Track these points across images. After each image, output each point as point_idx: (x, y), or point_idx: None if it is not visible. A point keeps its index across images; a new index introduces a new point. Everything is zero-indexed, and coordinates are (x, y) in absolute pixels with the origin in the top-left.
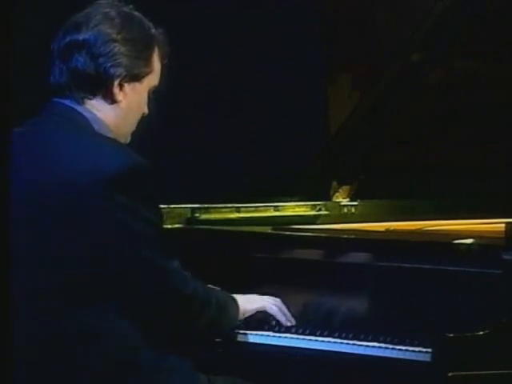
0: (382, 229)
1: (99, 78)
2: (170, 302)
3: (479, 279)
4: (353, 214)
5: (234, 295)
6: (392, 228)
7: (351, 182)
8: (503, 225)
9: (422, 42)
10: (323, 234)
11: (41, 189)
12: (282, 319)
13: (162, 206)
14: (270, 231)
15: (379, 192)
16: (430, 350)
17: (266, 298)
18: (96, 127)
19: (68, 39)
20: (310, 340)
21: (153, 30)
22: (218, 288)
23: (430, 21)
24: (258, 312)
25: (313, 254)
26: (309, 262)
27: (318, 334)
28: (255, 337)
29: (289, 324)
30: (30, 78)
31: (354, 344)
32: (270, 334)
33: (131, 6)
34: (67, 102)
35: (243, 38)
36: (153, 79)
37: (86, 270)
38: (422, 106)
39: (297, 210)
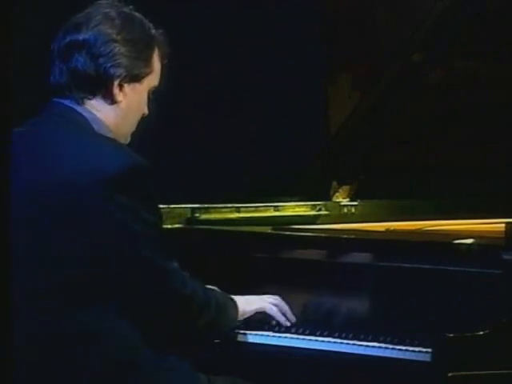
0: (382, 229)
1: (99, 79)
2: (170, 303)
3: (479, 279)
4: (353, 214)
5: (233, 296)
6: (392, 228)
7: (351, 181)
8: (503, 225)
9: (422, 41)
10: (323, 234)
11: (41, 189)
12: (282, 320)
13: (162, 206)
14: (269, 231)
15: (379, 192)
16: (429, 350)
17: (265, 297)
18: (96, 127)
19: (68, 39)
20: (310, 340)
21: (153, 31)
22: (217, 289)
23: (429, 21)
24: (257, 312)
25: (313, 254)
26: (309, 261)
27: (317, 334)
28: (255, 337)
29: (288, 324)
30: (29, 78)
31: (354, 344)
32: (270, 334)
33: (131, 7)
34: (67, 102)
35: (243, 37)
36: (153, 80)
37: (85, 270)
38: (421, 105)
39: (297, 210)
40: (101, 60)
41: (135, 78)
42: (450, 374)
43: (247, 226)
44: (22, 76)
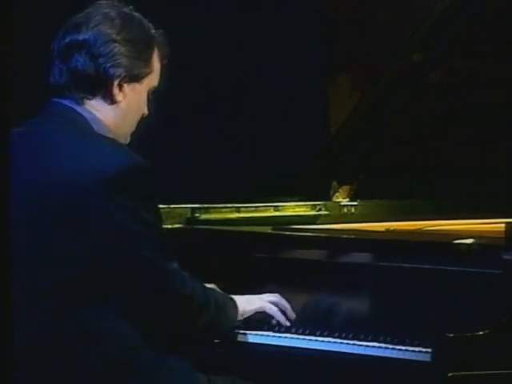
0: (382, 229)
1: (99, 79)
2: (170, 303)
3: (479, 279)
4: (353, 214)
5: (233, 296)
6: (392, 228)
7: (351, 181)
8: (503, 225)
9: (422, 41)
10: (323, 234)
11: (41, 189)
12: (282, 319)
13: (162, 206)
14: (269, 231)
15: (379, 192)
16: (429, 350)
17: (265, 297)
18: (95, 127)
19: (68, 39)
20: (310, 340)
21: (152, 31)
22: (216, 287)
23: (429, 21)
24: (257, 312)
25: (313, 254)
26: (309, 261)
27: (318, 334)
28: (255, 337)
29: (288, 324)
30: (29, 78)
31: (354, 344)
32: (270, 334)
33: (131, 7)
34: (67, 102)
35: (243, 37)
36: (152, 80)
37: (86, 269)
38: (421, 105)
39: (297, 210)
40: (100, 60)
41: (135, 78)
42: (450, 374)
43: (247, 226)
44: (21, 76)
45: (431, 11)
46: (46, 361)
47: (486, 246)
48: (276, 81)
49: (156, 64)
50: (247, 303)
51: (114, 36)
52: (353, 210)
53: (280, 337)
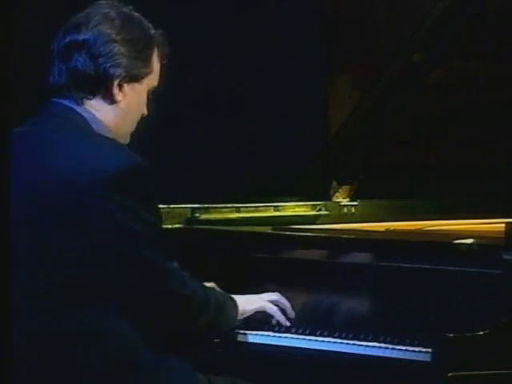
0: (382, 229)
1: (99, 79)
2: (170, 303)
3: (479, 279)
4: (353, 214)
5: (233, 296)
6: (392, 228)
7: (351, 181)
8: (503, 225)
9: (422, 41)
10: (323, 234)
11: (41, 189)
12: (282, 319)
13: (162, 206)
14: (269, 231)
15: (379, 192)
16: (429, 350)
17: (265, 296)
18: (95, 127)
19: (68, 39)
20: (310, 340)
21: (152, 31)
22: (216, 287)
23: (429, 21)
24: (257, 312)
25: (313, 254)
26: (309, 261)
27: (318, 333)
28: (255, 337)
29: (288, 323)
30: (29, 78)
31: (354, 344)
32: (270, 334)
33: (131, 7)
34: (66, 102)
35: (243, 37)
36: (152, 80)
37: (86, 269)
38: (421, 105)
39: (297, 210)
40: (100, 60)
41: (135, 78)
42: (450, 374)
43: (247, 226)
44: (22, 76)
45: (431, 11)
46: (45, 361)
47: (485, 246)
48: (276, 81)
49: (156, 64)
50: (247, 303)
51: (113, 36)
52: (353, 209)
53: (280, 337)
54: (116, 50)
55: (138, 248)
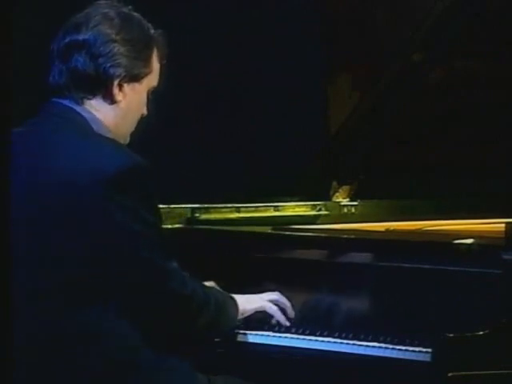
0: (382, 229)
1: (99, 78)
2: (170, 303)
3: (479, 279)
4: (353, 214)
5: (233, 295)
6: (392, 228)
7: (351, 181)
8: (503, 225)
9: (422, 41)
10: (323, 234)
11: (41, 189)
12: (282, 319)
13: (162, 206)
14: (269, 231)
15: (379, 192)
16: (429, 350)
17: (265, 296)
18: (95, 127)
19: (68, 39)
20: (310, 340)
21: (152, 31)
22: (216, 286)
23: (429, 21)
24: (257, 312)
25: (313, 254)
26: (309, 261)
27: (318, 333)
28: (255, 337)
29: (288, 323)
30: (29, 78)
31: (354, 344)
32: (270, 333)
33: (130, 7)
34: (66, 102)
35: (243, 37)
36: (152, 80)
37: (86, 270)
38: (421, 105)
39: (297, 210)
40: (100, 60)
41: (135, 78)
42: (450, 374)
43: (247, 226)
44: (22, 76)
45: (431, 11)
46: (46, 361)
47: (485, 246)
48: (276, 81)
49: (155, 64)
50: (247, 302)
51: (113, 36)
52: (353, 209)
53: (280, 337)
54: (116, 49)
55: (138, 248)
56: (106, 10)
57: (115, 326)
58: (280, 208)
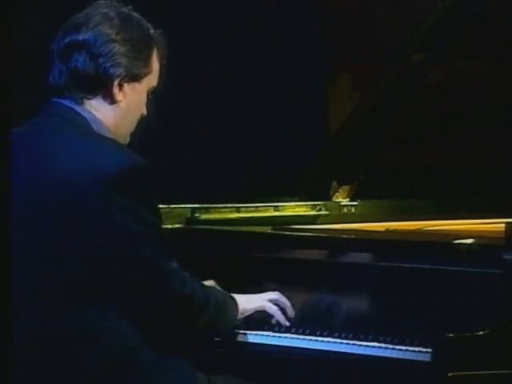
0: (382, 229)
1: (99, 78)
2: (170, 303)
3: (479, 279)
4: (353, 214)
5: (233, 295)
6: (392, 228)
7: (351, 181)
8: (503, 225)
9: (422, 41)
10: (323, 234)
11: (41, 189)
12: (281, 319)
13: (162, 206)
14: (269, 231)
15: (379, 192)
16: (429, 350)
17: (264, 296)
18: (95, 127)
19: (68, 39)
20: (310, 340)
21: (151, 31)
22: (216, 285)
23: (430, 21)
24: (257, 312)
25: (313, 254)
26: (309, 261)
27: (318, 333)
28: (255, 337)
29: (288, 323)
30: (29, 78)
31: (354, 344)
32: (270, 334)
33: (130, 7)
34: (66, 102)
35: (243, 37)
36: (152, 80)
37: (86, 269)
38: (421, 105)
39: (297, 210)
40: (100, 60)
41: (135, 78)
42: (450, 374)
43: (247, 226)
44: (22, 76)
45: (431, 11)
46: (46, 361)
47: (485, 246)
48: (276, 81)
49: (155, 64)
50: (247, 302)
51: (113, 36)
52: (353, 209)
53: (280, 337)
54: (116, 49)
55: (138, 248)
56: (105, 10)
57: (115, 326)
58: (280, 208)
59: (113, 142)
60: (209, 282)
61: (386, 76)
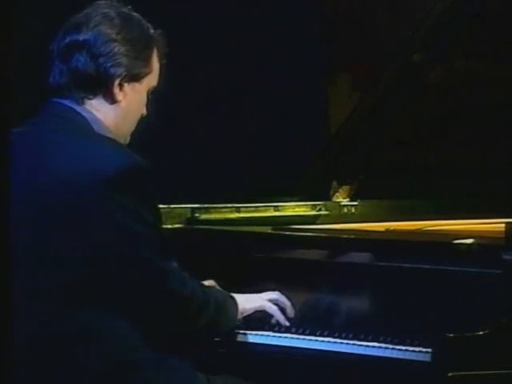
0: (382, 229)
1: (99, 78)
2: (169, 303)
3: (479, 279)
4: (353, 214)
5: (233, 294)
6: (392, 228)
7: (351, 181)
8: (503, 225)
9: (422, 41)
10: (323, 234)
11: (41, 189)
12: (281, 318)
13: (162, 206)
14: (269, 231)
15: (379, 192)
16: (429, 350)
17: (264, 295)
18: (95, 127)
19: (68, 40)
20: (310, 340)
21: (151, 31)
22: (216, 284)
23: (429, 21)
24: (257, 311)
25: (313, 254)
26: (309, 262)
27: (317, 333)
28: (255, 337)
29: (288, 323)
30: (29, 78)
31: (354, 344)
32: (270, 333)
33: (130, 7)
34: (67, 102)
35: (243, 37)
36: (152, 80)
37: (85, 270)
38: (421, 105)
39: (297, 210)
40: (101, 60)
41: (135, 78)
42: (450, 374)
43: (247, 226)
44: (22, 76)
45: (431, 11)
46: (46, 361)
47: (485, 246)
48: (276, 81)
49: (155, 64)
50: (247, 302)
51: (113, 36)
52: (353, 209)
53: (280, 337)
54: (116, 49)
55: (138, 248)
56: (106, 10)
57: (115, 326)
58: (280, 208)
59: (113, 142)
60: (209, 282)
61: (386, 76)
